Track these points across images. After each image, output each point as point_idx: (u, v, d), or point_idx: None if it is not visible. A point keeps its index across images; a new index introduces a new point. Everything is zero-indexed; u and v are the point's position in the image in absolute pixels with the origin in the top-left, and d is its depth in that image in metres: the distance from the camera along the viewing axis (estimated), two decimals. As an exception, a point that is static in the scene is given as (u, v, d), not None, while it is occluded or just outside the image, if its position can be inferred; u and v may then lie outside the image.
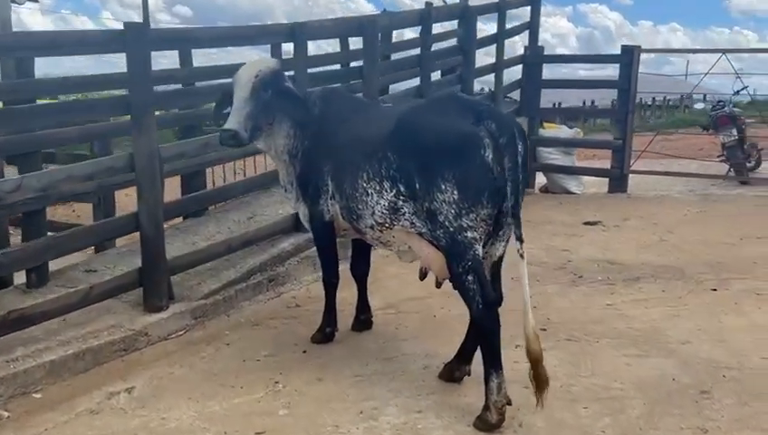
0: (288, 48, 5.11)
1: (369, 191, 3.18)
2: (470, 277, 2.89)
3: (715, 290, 4.62)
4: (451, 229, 2.89)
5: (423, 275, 3.30)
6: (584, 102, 24.32)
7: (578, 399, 3.10)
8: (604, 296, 4.55)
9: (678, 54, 24.40)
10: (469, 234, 2.88)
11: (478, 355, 3.00)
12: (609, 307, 4.35)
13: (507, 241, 3.11)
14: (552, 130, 9.02)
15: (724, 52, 8.25)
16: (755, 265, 5.19)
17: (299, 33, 4.88)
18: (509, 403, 2.86)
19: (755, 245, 5.80)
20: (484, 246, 2.98)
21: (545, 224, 6.91)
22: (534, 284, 4.78)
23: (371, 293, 4.07)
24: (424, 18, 6.51)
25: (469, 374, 3.25)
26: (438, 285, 3.24)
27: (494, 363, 2.87)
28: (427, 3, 6.84)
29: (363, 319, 4.00)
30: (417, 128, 3.05)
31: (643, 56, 8.36)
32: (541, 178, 9.13)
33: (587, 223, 6.88)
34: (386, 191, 3.11)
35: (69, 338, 3.55)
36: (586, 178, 9.03)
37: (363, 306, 4.00)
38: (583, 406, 3.03)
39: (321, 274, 3.95)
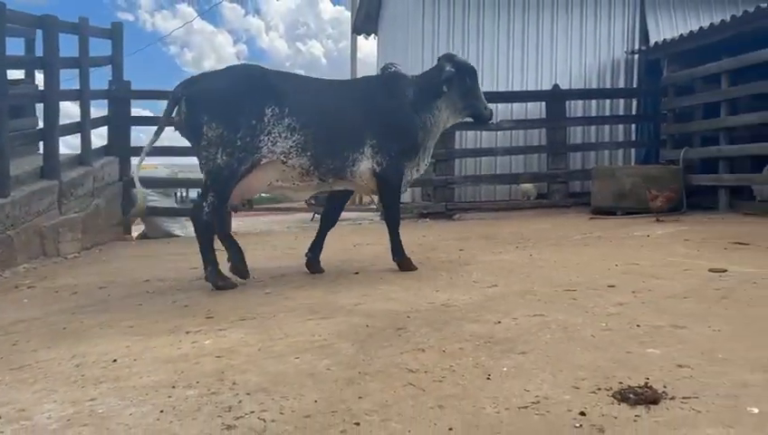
0: None
1: None
2: None
3: (357, 273, 4.70)
4: None
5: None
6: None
7: (284, 354, 2.62)
8: (259, 289, 4.18)
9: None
10: None
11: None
12: (270, 294, 3.99)
13: None
14: (148, 170, 8.39)
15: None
16: (377, 257, 5.50)
17: None
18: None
19: (369, 247, 6.25)
20: None
21: (162, 255, 6.27)
22: (176, 292, 4.21)
23: None
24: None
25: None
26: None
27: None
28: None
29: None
30: None
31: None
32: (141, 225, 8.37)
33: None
34: None
35: None
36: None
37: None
38: (294, 357, 2.57)
39: None
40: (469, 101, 4.86)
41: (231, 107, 4.08)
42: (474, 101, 4.89)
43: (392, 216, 4.78)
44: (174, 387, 2.24)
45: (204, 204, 4.13)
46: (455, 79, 4.73)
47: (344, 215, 10.54)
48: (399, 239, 4.74)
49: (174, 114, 4.22)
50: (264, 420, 1.94)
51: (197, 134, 4.11)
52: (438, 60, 4.96)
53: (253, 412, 2.00)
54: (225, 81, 4.21)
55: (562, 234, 6.77)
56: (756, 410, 1.87)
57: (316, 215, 10.44)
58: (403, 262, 4.71)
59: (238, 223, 9.05)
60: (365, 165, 4.50)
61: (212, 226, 4.21)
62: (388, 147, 4.52)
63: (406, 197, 9.94)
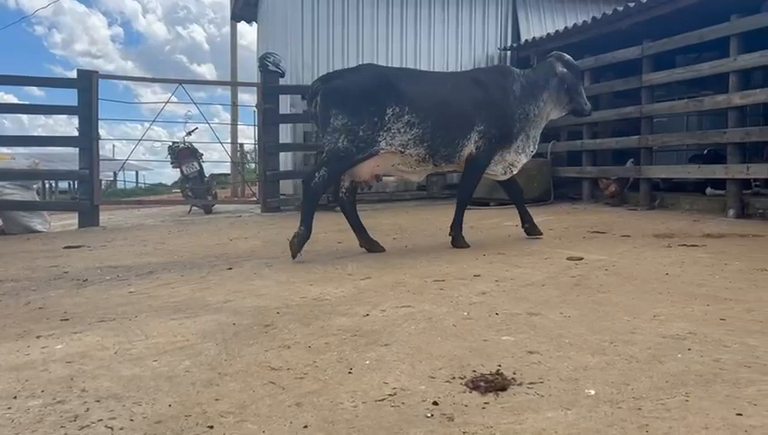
0: None
1: None
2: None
3: (230, 269, 4.60)
4: None
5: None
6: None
7: (142, 357, 2.52)
8: (121, 289, 3.99)
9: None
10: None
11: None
12: (133, 294, 3.81)
13: None
14: (2, 161, 7.78)
15: (180, 82, 8.62)
16: (254, 252, 5.43)
17: None
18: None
19: (246, 241, 6.13)
20: None
21: (18, 253, 5.84)
22: (31, 293, 3.95)
23: None
24: None
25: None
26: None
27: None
28: None
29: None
30: None
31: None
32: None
33: (68, 247, 6.11)
34: None
35: None
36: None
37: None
38: (153, 360, 2.47)
39: None
40: (573, 97, 5.36)
41: (356, 103, 4.70)
42: (577, 97, 5.38)
43: (465, 194, 5.34)
44: (15, 397, 2.09)
45: (316, 174, 4.75)
46: (566, 77, 5.33)
47: (222, 208, 10.32)
48: (462, 217, 5.28)
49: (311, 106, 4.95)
50: (112, 429, 1.85)
51: (327, 123, 4.76)
52: (548, 58, 5.45)
53: (100, 420, 1.91)
54: (353, 80, 4.82)
55: (438, 225, 6.95)
56: (593, 392, 2.00)
57: (194, 208, 10.14)
58: (456, 239, 5.20)
59: (108, 217, 8.63)
60: (468, 148, 5.05)
61: (319, 194, 4.80)
62: (491, 133, 5.07)
63: (289, 189, 9.86)
